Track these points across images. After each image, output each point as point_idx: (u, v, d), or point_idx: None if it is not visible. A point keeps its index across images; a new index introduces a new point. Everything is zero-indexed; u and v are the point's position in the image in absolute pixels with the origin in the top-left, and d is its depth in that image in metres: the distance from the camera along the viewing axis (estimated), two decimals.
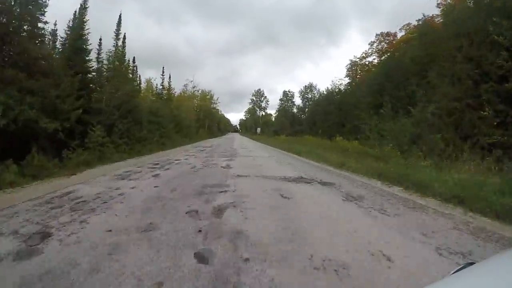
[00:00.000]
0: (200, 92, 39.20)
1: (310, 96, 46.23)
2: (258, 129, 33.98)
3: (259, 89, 70.49)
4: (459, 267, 0.76)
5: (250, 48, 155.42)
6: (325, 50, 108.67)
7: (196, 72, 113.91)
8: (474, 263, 0.78)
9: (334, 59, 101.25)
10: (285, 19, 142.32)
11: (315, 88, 45.72)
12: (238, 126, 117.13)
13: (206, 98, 41.81)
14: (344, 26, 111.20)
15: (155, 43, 79.14)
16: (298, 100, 53.13)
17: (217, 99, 49.01)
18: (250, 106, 70.38)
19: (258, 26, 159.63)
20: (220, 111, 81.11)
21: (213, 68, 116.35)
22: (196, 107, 37.52)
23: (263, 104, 68.58)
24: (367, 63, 31.16)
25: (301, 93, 48.09)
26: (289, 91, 57.21)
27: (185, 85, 34.21)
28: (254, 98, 68.87)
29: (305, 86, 47.87)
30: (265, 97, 69.01)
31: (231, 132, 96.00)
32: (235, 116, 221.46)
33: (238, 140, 30.26)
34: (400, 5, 49.45)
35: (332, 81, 32.86)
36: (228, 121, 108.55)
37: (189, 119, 25.83)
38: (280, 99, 57.07)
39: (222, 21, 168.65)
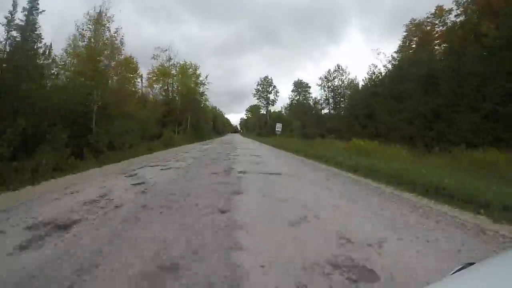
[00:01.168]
0: (178, 66, 23.38)
1: (337, 83, 33.59)
2: (279, 126, 20.98)
3: (266, 76, 52.36)
4: (459, 267, 0.72)
5: (249, 48, 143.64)
6: (325, 50, 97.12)
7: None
8: (474, 263, 0.73)
9: (334, 58, 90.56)
10: (284, 18, 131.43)
11: (345, 72, 33.02)
12: (238, 127, 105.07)
13: (187, 74, 23.91)
14: (345, 24, 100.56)
15: (152, 43, 67.34)
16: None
17: (206, 78, 27.65)
18: (255, 98, 53.53)
19: (256, 24, 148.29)
20: (218, 108, 67.77)
21: (212, 68, 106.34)
22: (171, 85, 22.99)
23: (271, 96, 51.99)
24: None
25: (323, 80, 35.38)
26: (302, 81, 44.62)
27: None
28: (260, 88, 52.00)
29: (329, 71, 35.04)
30: (274, 87, 52.08)
31: (231, 133, 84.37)
32: (234, 117, 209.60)
33: (252, 156, 11.13)
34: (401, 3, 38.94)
35: (394, 53, 19.68)
36: (227, 120, 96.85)
37: (134, 108, 12.94)
38: (292, 91, 44.66)
39: (219, 19, 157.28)
